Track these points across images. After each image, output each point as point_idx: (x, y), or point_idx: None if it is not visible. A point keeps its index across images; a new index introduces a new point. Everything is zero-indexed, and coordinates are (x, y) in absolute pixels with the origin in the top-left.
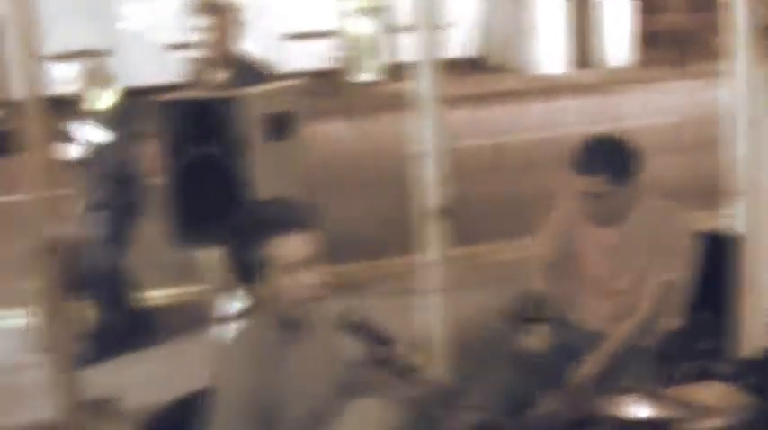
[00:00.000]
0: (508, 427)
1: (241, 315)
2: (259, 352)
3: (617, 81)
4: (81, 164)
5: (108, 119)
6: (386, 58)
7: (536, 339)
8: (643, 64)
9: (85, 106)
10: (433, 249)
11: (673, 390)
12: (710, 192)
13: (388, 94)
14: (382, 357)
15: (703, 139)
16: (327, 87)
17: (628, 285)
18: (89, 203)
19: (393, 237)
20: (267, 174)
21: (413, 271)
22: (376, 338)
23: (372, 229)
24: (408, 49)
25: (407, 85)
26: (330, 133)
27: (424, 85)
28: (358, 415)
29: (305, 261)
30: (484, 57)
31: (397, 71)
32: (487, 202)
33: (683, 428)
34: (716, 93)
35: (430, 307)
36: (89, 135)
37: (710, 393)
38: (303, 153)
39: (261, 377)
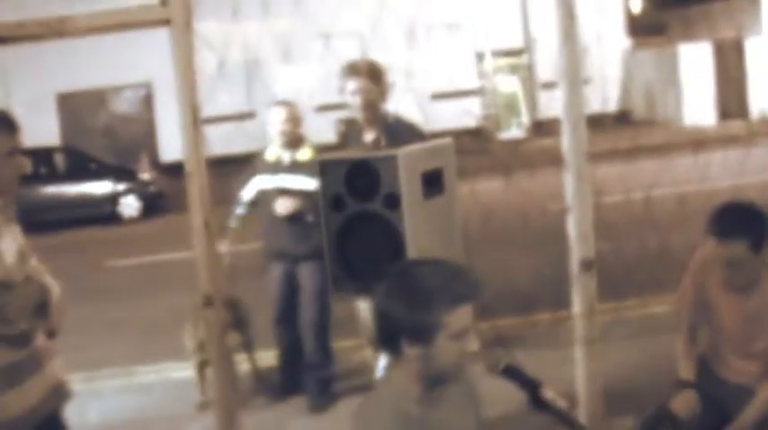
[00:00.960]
0: None
1: (388, 370)
2: (400, 404)
3: (763, 132)
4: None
5: (310, 170)
6: (530, 115)
7: (683, 403)
8: None
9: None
10: (579, 302)
11: None
12: None
13: (534, 151)
14: (540, 399)
15: None
16: (475, 145)
17: (764, 349)
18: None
19: (547, 291)
20: (425, 229)
21: (563, 324)
22: (527, 381)
23: (527, 284)
24: (552, 105)
25: (552, 141)
26: (481, 190)
27: (568, 141)
28: None
29: (469, 328)
30: (627, 111)
31: (541, 128)
32: (637, 256)
33: None
34: None
35: (577, 359)
36: (301, 184)
37: None
38: (457, 209)
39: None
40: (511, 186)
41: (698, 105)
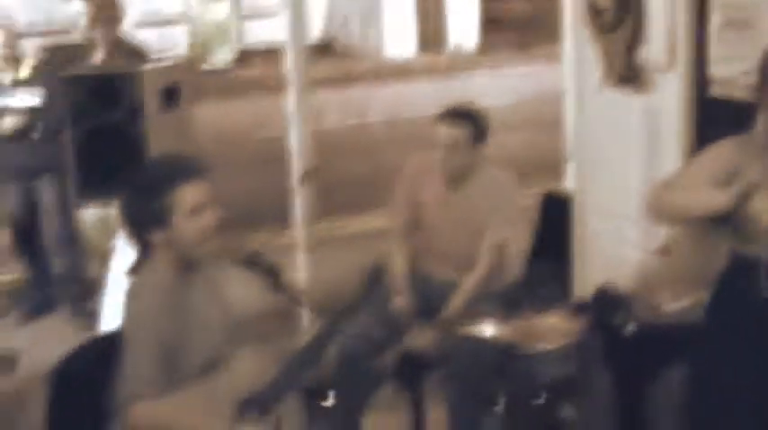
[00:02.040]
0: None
1: (139, 262)
2: (161, 294)
3: (463, 65)
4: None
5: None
6: (237, 44)
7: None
8: (488, 48)
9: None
10: (300, 213)
11: (517, 320)
12: (546, 164)
13: (241, 80)
14: (281, 284)
15: (540, 119)
16: (181, 74)
17: (468, 242)
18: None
19: (269, 209)
20: (163, 139)
21: (287, 235)
22: (269, 268)
23: (249, 204)
24: (260, 34)
25: (258, 71)
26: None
27: (292, 66)
28: (240, 364)
29: (205, 204)
30: (330, 41)
31: (247, 57)
32: (350, 178)
33: (526, 348)
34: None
35: (300, 266)
36: (22, 102)
37: (550, 323)
38: (192, 123)
39: (164, 318)
40: (217, 114)
41: (398, 37)
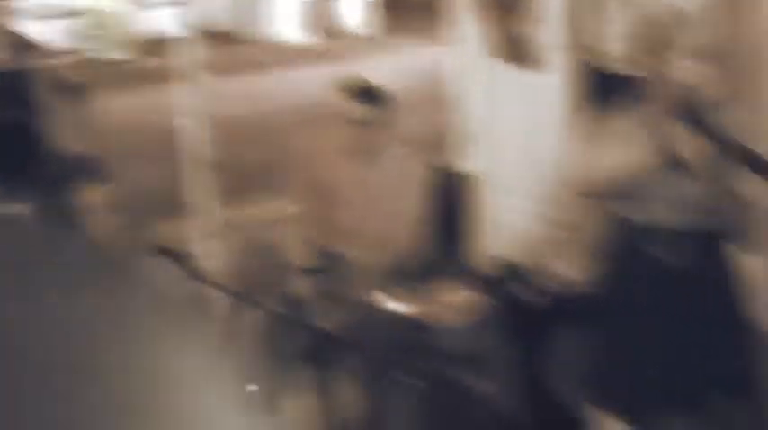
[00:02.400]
0: None
1: None
2: None
3: (361, 48)
4: None
5: None
6: (137, 34)
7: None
8: (386, 30)
9: None
10: (201, 201)
11: (424, 296)
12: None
13: (139, 70)
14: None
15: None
16: (82, 67)
17: (378, 218)
18: None
19: (175, 200)
20: (65, 134)
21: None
22: (180, 258)
23: (156, 194)
24: (155, 24)
25: (155, 61)
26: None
27: (187, 56)
28: None
29: (108, 203)
30: (226, 27)
31: (144, 48)
32: (256, 164)
33: (433, 323)
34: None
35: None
36: None
37: (450, 296)
38: (94, 117)
39: None
40: (118, 106)
41: (295, 22)
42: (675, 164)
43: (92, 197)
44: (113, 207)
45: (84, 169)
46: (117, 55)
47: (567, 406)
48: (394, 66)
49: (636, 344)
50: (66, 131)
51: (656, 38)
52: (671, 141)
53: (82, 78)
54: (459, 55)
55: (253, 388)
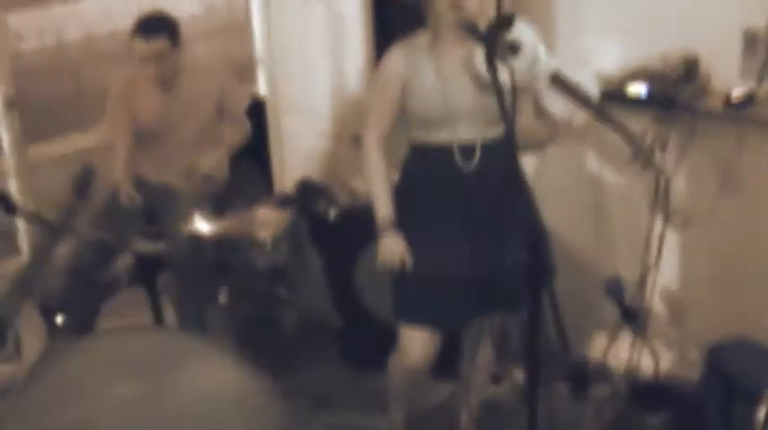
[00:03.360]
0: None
1: None
2: None
3: None
4: None
5: None
6: None
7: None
8: None
9: None
10: (8, 139)
11: (231, 215)
12: (238, 68)
13: None
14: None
15: (229, 24)
16: None
17: (197, 135)
18: None
19: None
20: None
21: None
22: None
23: None
24: None
25: None
26: None
27: None
28: None
29: None
30: None
31: None
32: (53, 99)
33: (241, 241)
34: None
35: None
36: None
37: (261, 215)
38: None
39: None
40: None
41: None
42: (473, 78)
43: None
44: None
45: None
46: None
47: (369, 310)
48: None
49: (457, 252)
50: None
51: None
52: (469, 61)
53: None
54: None
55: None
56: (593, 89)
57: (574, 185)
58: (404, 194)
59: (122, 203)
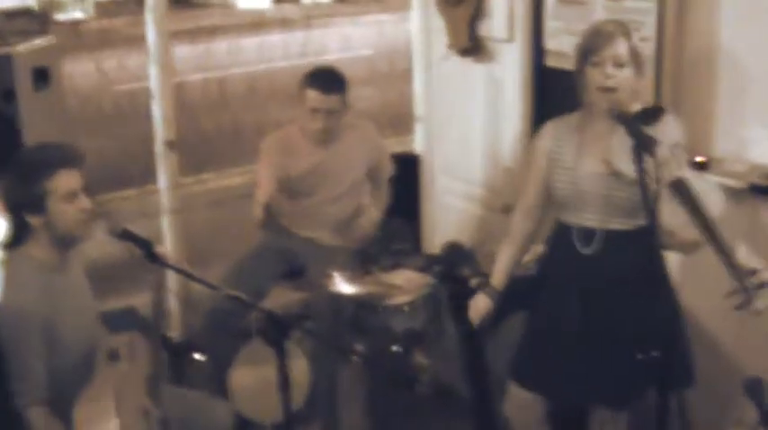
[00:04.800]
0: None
1: (16, 241)
2: (40, 277)
3: (317, 16)
4: None
5: None
6: None
7: None
8: None
9: None
10: (164, 178)
11: (372, 276)
12: (397, 118)
13: (96, 32)
14: (155, 254)
15: (393, 71)
16: (31, 26)
17: (351, 193)
18: None
19: (134, 168)
20: (37, 118)
21: (150, 197)
22: (142, 241)
23: (117, 161)
24: None
25: (114, 22)
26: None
27: (151, 27)
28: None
29: (79, 190)
30: None
31: (102, 8)
32: (214, 133)
33: (381, 301)
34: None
35: (165, 228)
36: None
37: (402, 278)
38: (63, 101)
39: (44, 303)
40: (75, 68)
41: None
42: (608, 168)
43: (66, 184)
44: (84, 191)
45: (58, 158)
46: (73, 15)
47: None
48: (354, 33)
49: (561, 319)
50: (37, 117)
51: (598, 43)
52: (609, 148)
53: (55, 65)
54: (412, 41)
55: (197, 358)
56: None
57: (723, 276)
58: (540, 265)
59: (266, 255)
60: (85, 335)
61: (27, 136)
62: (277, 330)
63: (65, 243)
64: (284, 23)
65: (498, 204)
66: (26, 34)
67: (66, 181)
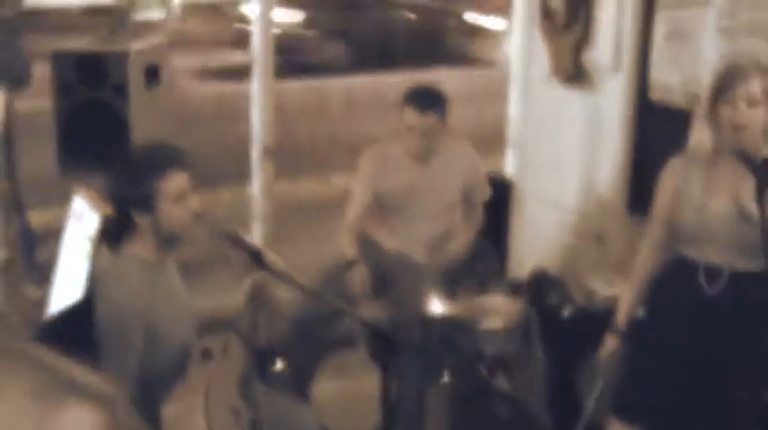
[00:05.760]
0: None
1: (119, 240)
2: (144, 274)
3: None
4: None
5: None
6: None
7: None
8: None
9: None
10: (259, 184)
11: (465, 298)
12: (492, 139)
13: (180, 33)
14: (263, 261)
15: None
16: (110, 24)
17: (445, 212)
18: None
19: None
20: (146, 115)
21: (243, 201)
22: (250, 248)
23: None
24: None
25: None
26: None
27: (258, 43)
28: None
29: (188, 191)
30: None
31: (184, 9)
32: (306, 141)
33: (476, 324)
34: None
35: (255, 233)
36: None
37: (495, 301)
38: (172, 98)
39: (146, 299)
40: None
41: None
42: (737, 208)
43: (176, 184)
44: (191, 195)
45: (169, 159)
46: (154, 14)
47: (587, 415)
48: None
49: (669, 362)
50: (147, 114)
51: (731, 80)
52: (739, 187)
53: (164, 65)
54: (511, 65)
55: (280, 365)
56: None
57: None
58: (653, 301)
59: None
60: (182, 335)
61: (135, 133)
62: (385, 346)
63: (169, 243)
64: None
65: (590, 234)
66: (136, 32)
67: (176, 182)
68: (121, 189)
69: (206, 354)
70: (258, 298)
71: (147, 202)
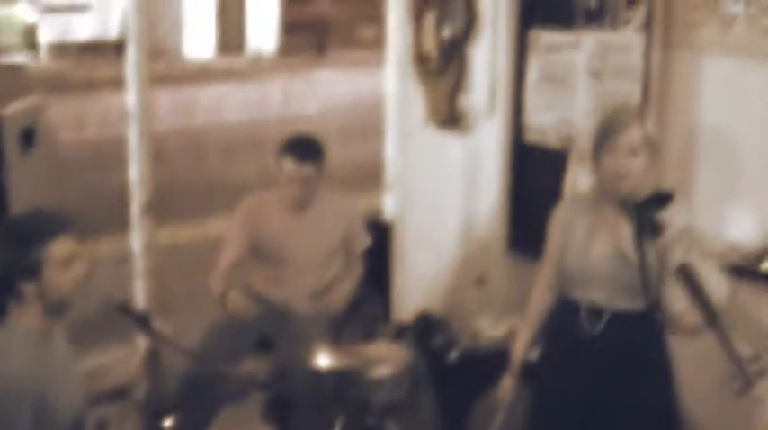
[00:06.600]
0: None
1: (7, 311)
2: (32, 345)
3: (262, 68)
4: None
5: None
6: (37, 39)
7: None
8: (285, 51)
9: None
10: (139, 240)
11: (348, 347)
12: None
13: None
14: (151, 328)
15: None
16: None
17: (324, 262)
18: None
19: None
20: (23, 181)
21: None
22: (139, 317)
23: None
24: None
25: (58, 65)
26: None
27: (134, 98)
28: None
29: (74, 256)
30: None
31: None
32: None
33: (363, 374)
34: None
35: (138, 290)
36: None
37: (379, 349)
38: (50, 158)
39: (35, 370)
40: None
41: (199, 39)
42: (617, 251)
43: (62, 250)
44: (77, 259)
45: (52, 225)
46: (18, 59)
47: None
48: (300, 88)
49: (561, 400)
50: (24, 180)
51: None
52: (618, 230)
53: (40, 125)
54: (386, 110)
55: (168, 424)
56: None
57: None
58: (545, 343)
59: (236, 319)
60: (73, 405)
61: (13, 200)
62: (278, 403)
63: (55, 310)
64: (227, 75)
65: (472, 275)
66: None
67: (62, 248)
68: (4, 258)
69: (100, 426)
70: (152, 363)
71: (32, 270)
